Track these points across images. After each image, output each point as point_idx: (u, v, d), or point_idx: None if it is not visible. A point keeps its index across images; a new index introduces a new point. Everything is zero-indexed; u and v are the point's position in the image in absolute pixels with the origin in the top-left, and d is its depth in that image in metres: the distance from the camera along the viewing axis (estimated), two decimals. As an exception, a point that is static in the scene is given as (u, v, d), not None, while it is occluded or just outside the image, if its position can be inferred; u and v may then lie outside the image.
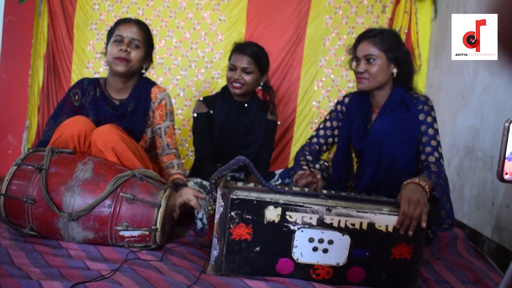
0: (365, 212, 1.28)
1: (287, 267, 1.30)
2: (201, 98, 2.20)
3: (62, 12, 2.88)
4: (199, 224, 1.84)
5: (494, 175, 1.85)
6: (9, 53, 2.92)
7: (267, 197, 1.29)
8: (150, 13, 2.91)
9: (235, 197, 1.27)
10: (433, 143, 1.68)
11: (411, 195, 1.34)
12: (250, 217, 1.27)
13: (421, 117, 1.71)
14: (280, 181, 1.98)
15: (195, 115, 2.15)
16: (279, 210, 1.27)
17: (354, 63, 1.80)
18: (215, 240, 1.30)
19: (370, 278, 1.32)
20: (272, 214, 1.27)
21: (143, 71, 1.93)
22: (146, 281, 1.20)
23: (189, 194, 1.63)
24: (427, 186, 1.41)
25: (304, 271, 1.30)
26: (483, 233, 1.90)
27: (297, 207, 1.28)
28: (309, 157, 1.85)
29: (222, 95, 2.17)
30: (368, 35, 1.77)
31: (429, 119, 1.71)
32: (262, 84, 2.17)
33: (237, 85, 2.08)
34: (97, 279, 1.18)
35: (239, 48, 2.10)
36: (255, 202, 1.27)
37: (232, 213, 1.27)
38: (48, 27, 2.87)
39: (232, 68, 2.09)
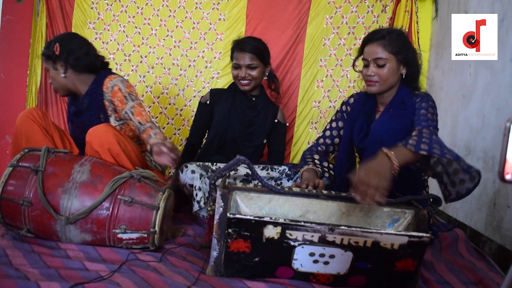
0: (371, 233, 1.20)
1: (287, 274, 1.28)
2: (211, 89, 2.35)
3: (60, 11, 2.87)
4: (196, 207, 1.81)
5: (496, 176, 1.85)
6: (7, 52, 2.91)
7: (266, 217, 1.21)
8: (149, 12, 2.89)
9: (231, 216, 1.20)
10: (424, 118, 1.60)
11: (371, 166, 1.29)
12: (248, 234, 1.22)
13: (417, 105, 1.67)
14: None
15: (200, 101, 2.26)
16: (278, 228, 1.20)
17: (356, 64, 1.78)
18: (214, 241, 1.28)
19: (371, 284, 1.29)
20: (271, 232, 1.21)
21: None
22: (145, 282, 1.19)
23: (163, 159, 1.63)
24: (396, 160, 1.33)
25: (304, 277, 1.28)
26: (484, 233, 1.89)
27: (298, 227, 1.20)
28: (316, 156, 1.85)
29: (229, 89, 2.24)
30: (376, 37, 1.70)
31: (424, 104, 1.65)
32: (267, 74, 2.23)
33: (245, 82, 2.14)
34: (95, 280, 1.17)
35: (240, 47, 2.14)
36: (253, 222, 1.20)
37: (230, 230, 1.22)
38: (47, 26, 2.86)
39: (236, 66, 2.15)
